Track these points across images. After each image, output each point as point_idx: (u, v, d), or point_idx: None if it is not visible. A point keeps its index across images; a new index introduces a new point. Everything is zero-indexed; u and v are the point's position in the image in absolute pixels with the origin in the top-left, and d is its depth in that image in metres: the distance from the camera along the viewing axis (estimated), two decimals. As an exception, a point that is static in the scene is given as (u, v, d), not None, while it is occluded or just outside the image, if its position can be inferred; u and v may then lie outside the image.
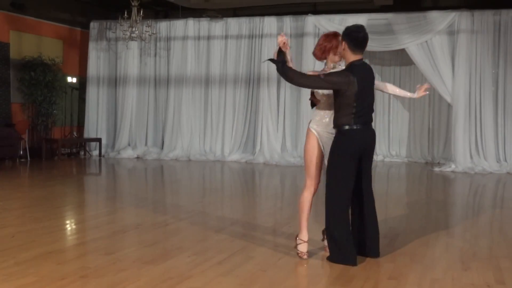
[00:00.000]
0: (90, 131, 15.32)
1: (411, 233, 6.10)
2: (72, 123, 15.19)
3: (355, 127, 4.72)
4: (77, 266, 4.56)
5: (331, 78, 4.68)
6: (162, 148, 15.03)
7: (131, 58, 15.12)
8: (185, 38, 14.74)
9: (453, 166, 12.66)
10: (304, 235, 4.98)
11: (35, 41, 14.15)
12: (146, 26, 13.38)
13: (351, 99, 4.68)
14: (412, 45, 12.99)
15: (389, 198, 9.27)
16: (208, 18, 14.60)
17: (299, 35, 13.90)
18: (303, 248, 4.96)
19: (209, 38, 14.61)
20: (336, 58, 4.93)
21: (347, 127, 4.72)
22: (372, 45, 13.41)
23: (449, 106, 13.39)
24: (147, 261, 4.75)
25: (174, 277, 4.37)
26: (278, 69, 4.69)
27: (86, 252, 5.17)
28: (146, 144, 15.23)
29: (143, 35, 13.36)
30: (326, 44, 4.93)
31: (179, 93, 14.71)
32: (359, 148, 4.79)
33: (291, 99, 14.03)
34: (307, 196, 5.11)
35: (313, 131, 5.06)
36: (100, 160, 14.32)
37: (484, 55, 12.75)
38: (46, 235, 5.66)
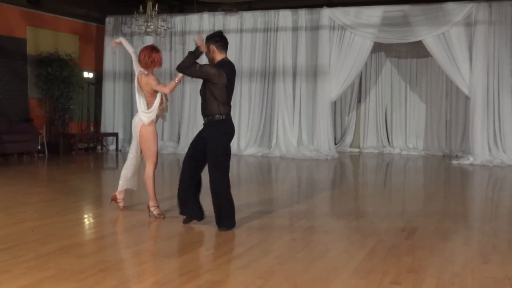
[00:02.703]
0: (107, 126, 15.40)
1: (430, 226, 6.06)
2: (89, 118, 15.28)
3: (228, 115, 5.80)
4: (97, 260, 4.59)
5: (206, 69, 5.66)
6: (178, 142, 15.08)
7: (147, 53, 15.13)
8: (200, 32, 14.67)
9: (471, 159, 12.55)
10: (155, 202, 6.30)
11: (52, 36, 14.24)
12: (161, 21, 13.37)
13: (222, 90, 5.64)
14: (429, 37, 12.87)
15: (406, 192, 9.23)
16: (223, 12, 14.58)
17: (314, 28, 13.83)
18: (159, 211, 6.26)
19: (224, 32, 14.48)
20: (156, 68, 6.33)
21: (224, 116, 5.73)
22: (388, 37, 13.37)
23: (467, 98, 13.26)
24: (166, 254, 4.78)
25: (193, 270, 4.39)
26: (186, 62, 5.65)
27: (105, 246, 5.21)
28: (162, 138, 15.26)
29: (158, 29, 13.36)
30: (155, 57, 6.28)
31: (195, 87, 14.70)
32: (233, 132, 5.91)
33: (307, 92, 13.97)
34: (152, 172, 6.37)
35: (152, 120, 6.33)
36: (117, 154, 14.40)
37: (502, 46, 12.59)
38: (65, 229, 5.72)
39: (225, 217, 5.73)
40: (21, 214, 6.47)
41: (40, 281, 3.99)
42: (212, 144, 5.72)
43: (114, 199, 6.70)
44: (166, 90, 6.20)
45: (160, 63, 6.37)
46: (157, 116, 6.42)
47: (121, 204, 6.68)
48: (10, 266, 4.34)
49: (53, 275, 4.14)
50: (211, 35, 5.87)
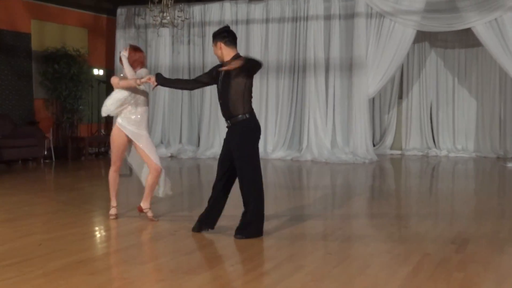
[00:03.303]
0: (119, 128, 15.51)
1: (483, 238, 5.98)
2: (99, 120, 15.44)
3: (252, 113, 5.99)
4: (110, 277, 4.63)
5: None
6: (198, 146, 15.15)
7: (163, 47, 15.26)
8: (221, 23, 14.76)
9: (528, 161, 12.39)
10: (114, 202, 7.02)
11: (58, 30, 14.44)
12: (178, 11, 13.46)
13: (251, 85, 5.94)
14: (479, 24, 12.73)
15: (455, 199, 9.13)
16: (247, 0, 14.62)
17: (349, 16, 13.79)
18: (113, 211, 6.94)
19: (248, 22, 14.63)
20: (139, 67, 6.84)
21: (248, 115, 5.93)
22: (433, 25, 13.25)
23: (523, 92, 13.10)
24: (186, 270, 4.79)
25: (217, 288, 4.40)
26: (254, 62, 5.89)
27: (119, 262, 5.25)
28: (180, 141, 15.37)
29: (175, 21, 13.45)
30: (138, 57, 6.80)
31: (214, 88, 14.74)
32: (259, 130, 6.18)
33: (341, 88, 13.93)
34: (112, 173, 7.13)
35: (118, 125, 7.00)
36: (130, 160, 14.49)
37: None
38: (75, 243, 5.77)
39: (250, 225, 5.93)
40: (27, 226, 6.55)
41: (48, 301, 4.05)
42: (238, 146, 5.92)
43: (140, 210, 6.92)
44: (122, 83, 6.78)
45: (143, 63, 6.88)
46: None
47: (149, 214, 6.87)
48: (16, 284, 4.40)
49: (63, 294, 4.18)
50: (217, 31, 6.09)
